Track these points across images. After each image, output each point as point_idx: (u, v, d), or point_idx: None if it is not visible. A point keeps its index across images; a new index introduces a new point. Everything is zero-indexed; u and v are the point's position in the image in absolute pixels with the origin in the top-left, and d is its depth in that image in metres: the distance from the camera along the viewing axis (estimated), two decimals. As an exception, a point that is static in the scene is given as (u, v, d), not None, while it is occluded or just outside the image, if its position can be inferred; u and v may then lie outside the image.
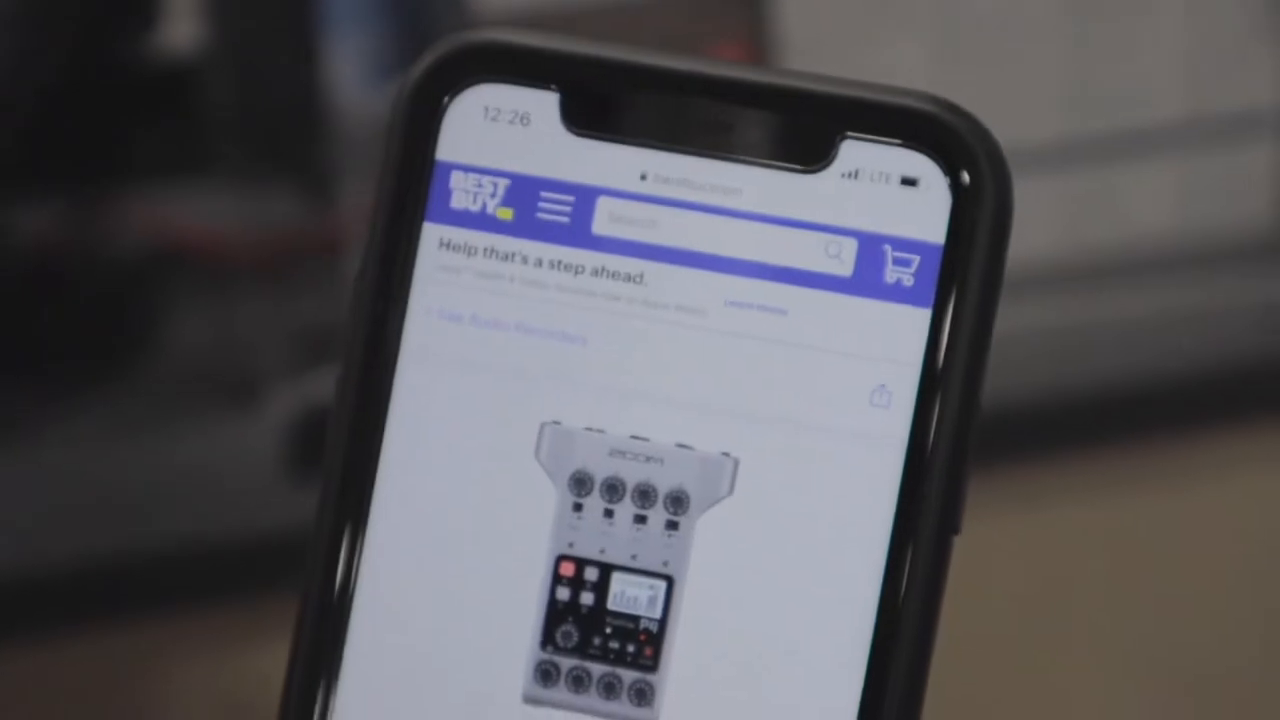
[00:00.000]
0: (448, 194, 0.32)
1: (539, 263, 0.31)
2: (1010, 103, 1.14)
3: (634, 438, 0.31)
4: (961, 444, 0.30)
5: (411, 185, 0.32)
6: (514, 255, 0.31)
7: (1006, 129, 0.86)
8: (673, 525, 0.30)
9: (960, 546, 0.33)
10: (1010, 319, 0.96)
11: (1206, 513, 1.20)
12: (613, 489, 0.31)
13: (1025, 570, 1.18)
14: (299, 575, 0.32)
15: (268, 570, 0.98)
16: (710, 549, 0.30)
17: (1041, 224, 1.16)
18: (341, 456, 0.31)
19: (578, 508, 0.31)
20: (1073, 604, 1.21)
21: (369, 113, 1.34)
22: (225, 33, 1.26)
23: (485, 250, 0.32)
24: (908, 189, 0.30)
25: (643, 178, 0.31)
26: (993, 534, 1.11)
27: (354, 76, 1.34)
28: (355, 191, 1.25)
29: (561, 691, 0.30)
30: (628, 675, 0.30)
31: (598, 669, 0.30)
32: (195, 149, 1.23)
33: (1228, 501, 1.19)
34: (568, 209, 0.31)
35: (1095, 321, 1.16)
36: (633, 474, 0.31)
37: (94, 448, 1.11)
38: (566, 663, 0.30)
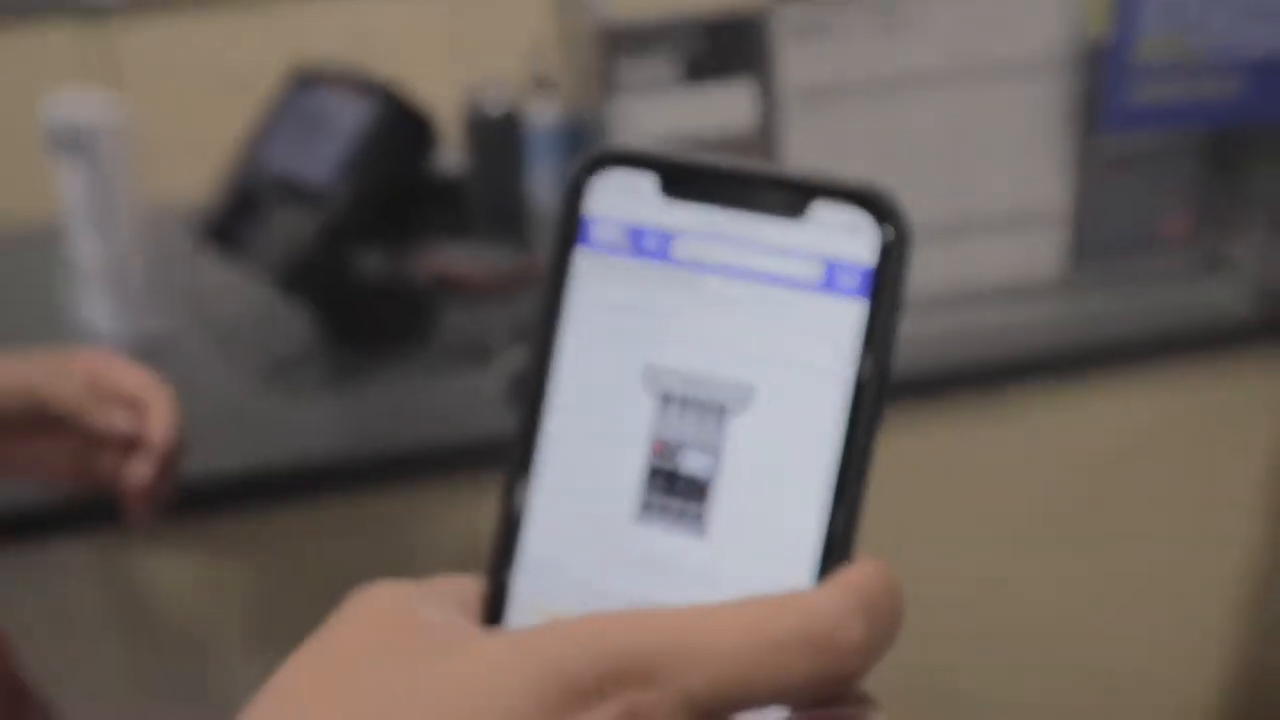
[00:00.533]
0: (591, 232, 0.35)
1: (642, 271, 0.34)
2: (910, 202, 1.16)
3: (698, 371, 0.34)
4: (884, 376, 0.32)
5: (572, 228, 0.35)
6: (630, 266, 0.35)
7: (911, 216, 1.08)
8: (718, 423, 0.33)
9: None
10: (908, 328, 1.19)
11: (1023, 439, 1.27)
12: (684, 402, 0.34)
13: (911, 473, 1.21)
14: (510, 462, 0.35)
15: (492, 462, 1.05)
16: (739, 437, 0.33)
17: (928, 273, 1.23)
18: (534, 379, 0.35)
19: (664, 412, 0.34)
20: (930, 494, 1.26)
21: (554, 205, 1.41)
22: (476, 157, 1.40)
23: (613, 263, 0.35)
24: (852, 233, 0.33)
25: (701, 225, 0.34)
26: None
27: (545, 185, 1.48)
28: (546, 250, 1.37)
29: (655, 515, 0.34)
30: (691, 507, 0.33)
31: (674, 503, 0.34)
32: (459, 224, 1.33)
33: (1039, 431, 1.27)
34: (658, 242, 0.34)
35: (960, 326, 1.23)
36: (695, 394, 0.34)
37: (401, 389, 1.21)
38: (657, 499, 0.34)
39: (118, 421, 0.86)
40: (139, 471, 0.86)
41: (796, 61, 1.19)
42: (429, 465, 1.16)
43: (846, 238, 0.33)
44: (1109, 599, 1.36)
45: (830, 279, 0.33)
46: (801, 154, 1.22)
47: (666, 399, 0.34)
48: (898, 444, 1.11)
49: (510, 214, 1.38)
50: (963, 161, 1.25)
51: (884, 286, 0.33)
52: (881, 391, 0.33)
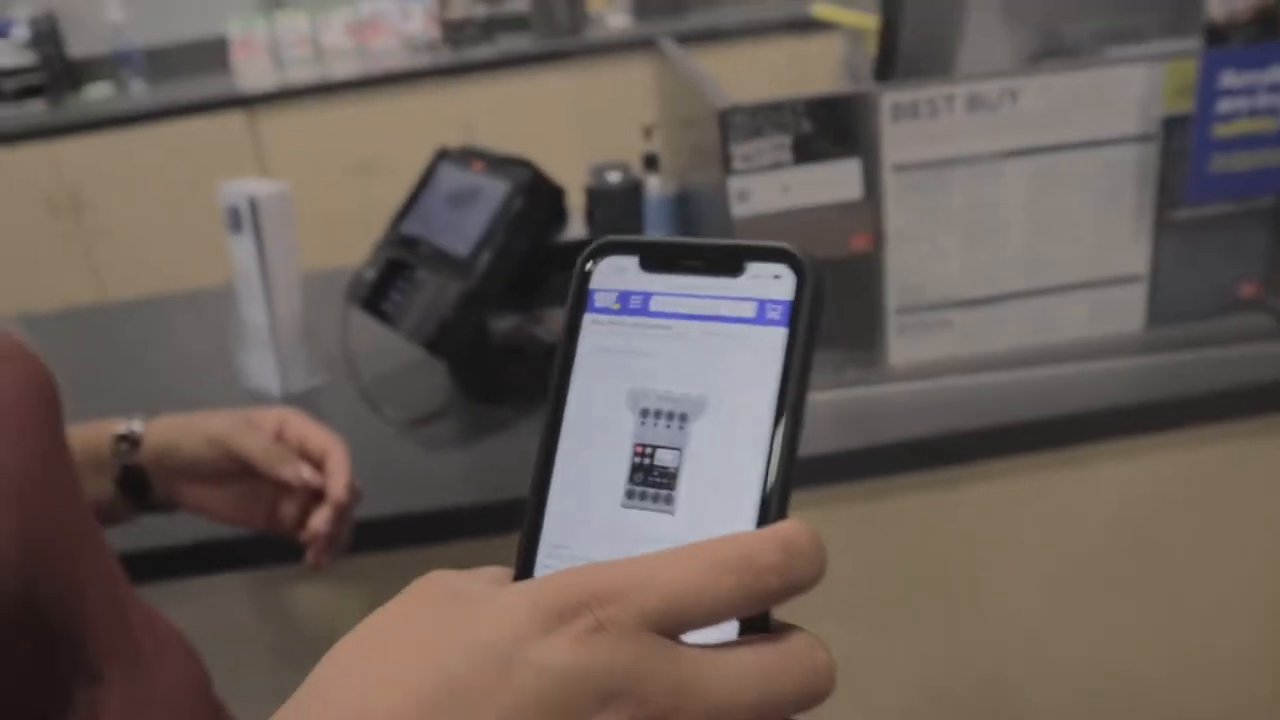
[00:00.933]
0: (594, 300, 0.40)
1: (628, 324, 0.39)
2: (1000, 266, 1.18)
3: (667, 390, 0.38)
4: (802, 384, 0.37)
5: (581, 298, 0.40)
6: (620, 322, 0.40)
7: (999, 279, 1.00)
8: (682, 427, 0.38)
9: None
10: (995, 380, 1.07)
11: (1100, 488, 1.20)
12: (658, 414, 0.38)
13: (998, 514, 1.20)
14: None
15: None
16: (698, 436, 0.37)
17: (1015, 331, 1.21)
18: (552, 404, 0.40)
19: (643, 423, 0.38)
20: (1014, 536, 1.22)
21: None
22: (599, 227, 1.34)
23: (608, 321, 0.40)
24: (777, 279, 0.37)
25: (670, 287, 0.39)
26: (976, 495, 1.18)
27: None
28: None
29: (636, 500, 0.38)
30: (663, 492, 0.37)
31: (651, 490, 0.38)
32: None
33: (1116, 481, 1.20)
34: (641, 302, 0.39)
35: (1041, 380, 1.19)
36: (666, 406, 0.38)
37: (531, 441, 1.10)
38: (638, 488, 0.38)
39: (304, 474, 0.85)
40: (321, 520, 0.85)
41: (897, 140, 1.14)
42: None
43: (773, 283, 0.38)
44: (1177, 640, 1.29)
45: (761, 314, 0.38)
46: (902, 224, 1.17)
47: (645, 413, 0.38)
48: (984, 489, 1.17)
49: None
50: (1050, 228, 1.19)
51: (799, 314, 0.37)
52: (801, 395, 0.36)
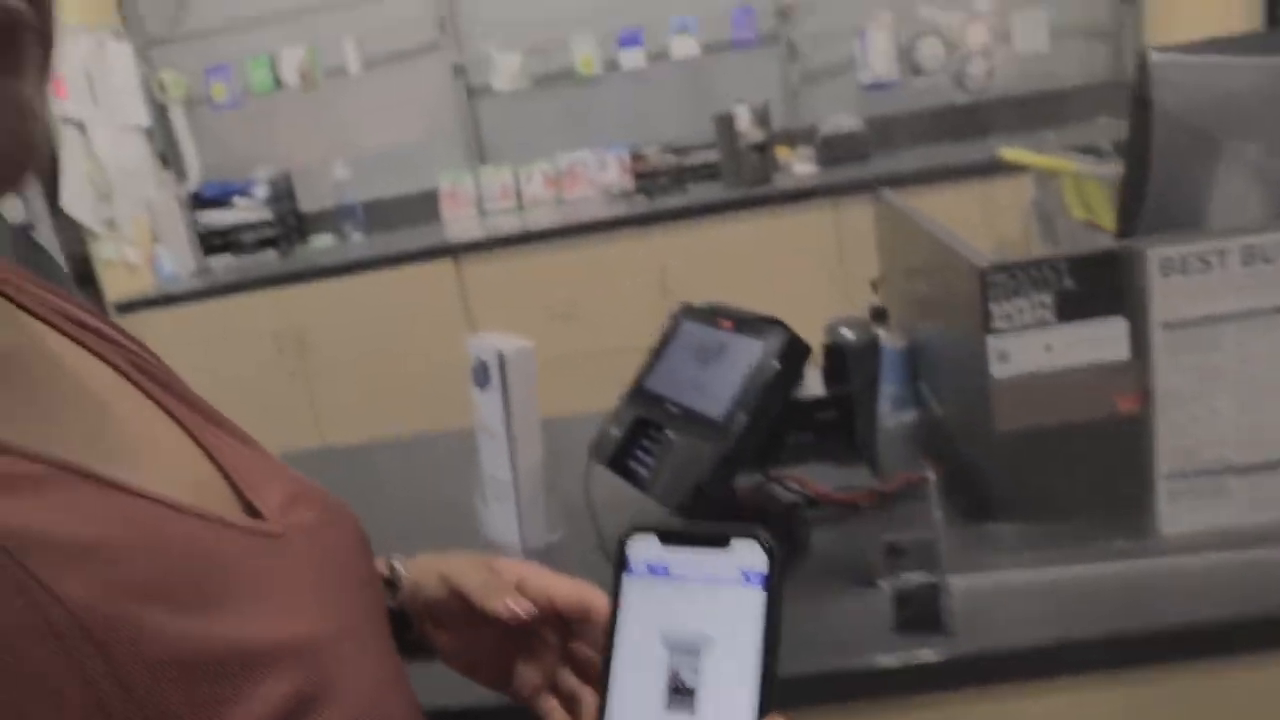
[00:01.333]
0: (630, 565, 0.55)
1: (656, 583, 0.54)
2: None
3: (685, 629, 0.53)
4: (776, 627, 0.51)
5: (620, 563, 0.55)
6: (650, 581, 0.54)
7: None
8: (699, 655, 0.52)
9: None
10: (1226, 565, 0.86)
11: None
12: (683, 649, 0.53)
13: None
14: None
15: (887, 687, 0.96)
16: (709, 661, 0.52)
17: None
18: (606, 642, 0.54)
19: (672, 654, 0.53)
20: None
21: (896, 426, 1.36)
22: (838, 382, 1.19)
23: (641, 581, 0.54)
24: (754, 554, 0.52)
25: (681, 556, 0.54)
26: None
27: (889, 405, 1.38)
28: (892, 472, 1.24)
29: (673, 709, 0.52)
30: (687, 701, 0.52)
31: (680, 698, 0.52)
32: (823, 444, 1.15)
33: None
34: (664, 568, 0.54)
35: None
36: (686, 642, 0.53)
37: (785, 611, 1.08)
38: (674, 699, 0.52)
39: (521, 610, 0.68)
40: (586, 699, 0.70)
41: (1166, 296, 1.03)
42: (809, 694, 0.97)
43: (751, 555, 0.53)
44: None
45: (746, 578, 0.52)
46: (1173, 384, 1.05)
47: (674, 647, 0.53)
48: (1269, 681, 1.00)
49: (867, 434, 1.21)
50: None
51: (773, 580, 0.52)
52: (776, 635, 0.51)
